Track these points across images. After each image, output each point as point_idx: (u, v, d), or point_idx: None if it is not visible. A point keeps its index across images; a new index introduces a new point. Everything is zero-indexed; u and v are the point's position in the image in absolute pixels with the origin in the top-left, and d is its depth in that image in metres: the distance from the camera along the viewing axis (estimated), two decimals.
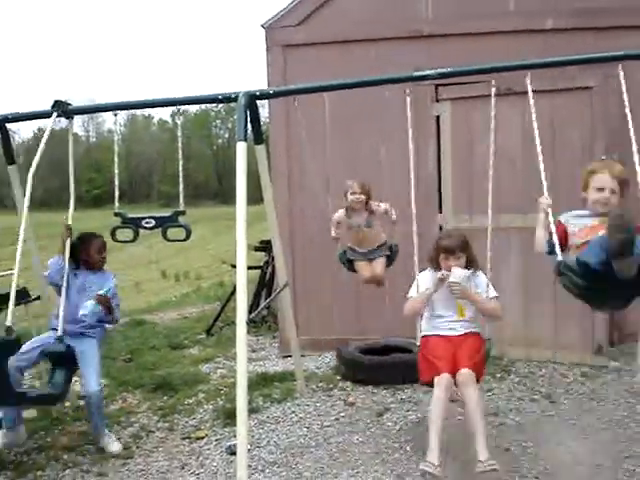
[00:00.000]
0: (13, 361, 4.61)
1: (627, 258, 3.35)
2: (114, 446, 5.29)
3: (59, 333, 4.87)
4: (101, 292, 5.23)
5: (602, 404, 5.69)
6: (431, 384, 4.46)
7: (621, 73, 4.37)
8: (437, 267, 4.80)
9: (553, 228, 3.93)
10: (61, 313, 4.92)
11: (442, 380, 4.36)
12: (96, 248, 5.48)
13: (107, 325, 5.56)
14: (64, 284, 5.01)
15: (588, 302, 3.99)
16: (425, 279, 4.83)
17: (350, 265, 5.53)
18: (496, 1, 7.15)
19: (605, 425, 5.25)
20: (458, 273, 4.64)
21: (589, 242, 3.73)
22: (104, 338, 5.72)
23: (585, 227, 3.92)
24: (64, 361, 4.84)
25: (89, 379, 5.15)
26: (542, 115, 6.33)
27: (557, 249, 3.84)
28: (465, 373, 4.34)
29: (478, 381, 4.45)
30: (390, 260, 5.53)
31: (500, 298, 6.32)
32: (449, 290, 4.65)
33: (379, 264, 5.48)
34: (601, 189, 3.94)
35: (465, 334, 4.68)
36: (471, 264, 4.79)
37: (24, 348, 4.95)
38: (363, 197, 5.36)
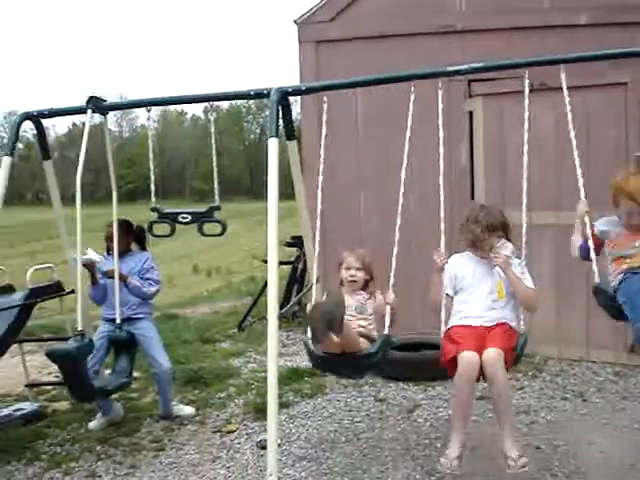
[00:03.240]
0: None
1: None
2: (188, 410, 5.88)
3: (118, 320, 5.39)
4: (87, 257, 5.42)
5: (635, 403, 5.64)
6: (453, 369, 3.94)
7: None
8: (470, 247, 4.34)
9: (589, 232, 3.93)
10: (117, 301, 5.38)
11: (466, 357, 3.85)
12: (118, 233, 5.54)
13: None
14: (116, 275, 5.39)
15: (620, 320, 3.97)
16: (453, 261, 4.37)
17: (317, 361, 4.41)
18: None
19: (638, 425, 5.20)
20: (510, 246, 4.19)
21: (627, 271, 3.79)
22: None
23: (620, 235, 3.94)
24: (126, 347, 5.46)
25: (158, 359, 5.60)
26: (575, 111, 6.29)
27: (592, 255, 3.92)
28: (492, 352, 3.83)
29: (508, 366, 3.93)
30: (371, 364, 4.25)
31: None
32: (493, 263, 4.14)
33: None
34: (630, 214, 3.90)
35: (497, 324, 4.09)
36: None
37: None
38: (361, 275, 4.46)
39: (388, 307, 4.27)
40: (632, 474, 4.41)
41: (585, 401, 5.75)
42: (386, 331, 4.23)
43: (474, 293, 4.24)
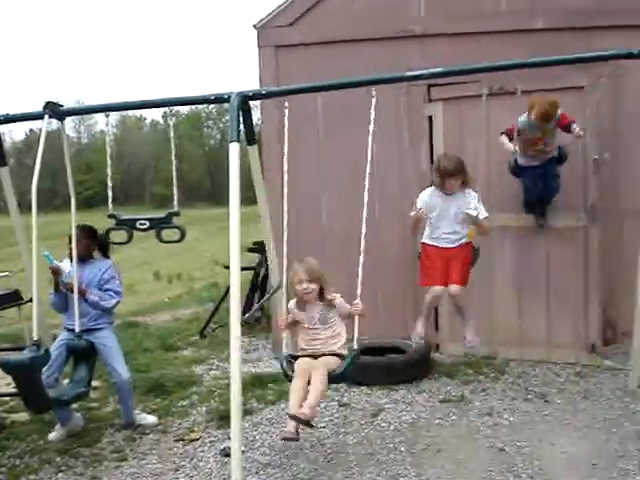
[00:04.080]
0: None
1: None
2: (151, 419, 5.79)
3: (77, 329, 5.29)
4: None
5: (596, 403, 5.69)
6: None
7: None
8: (438, 186, 5.43)
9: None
10: (76, 312, 5.26)
11: (434, 292, 5.46)
12: (80, 239, 5.47)
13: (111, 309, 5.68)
14: (75, 281, 5.27)
15: None
16: (423, 196, 5.49)
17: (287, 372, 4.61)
18: (487, 1, 7.16)
19: (599, 424, 5.25)
20: (472, 193, 5.40)
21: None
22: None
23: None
24: (85, 356, 5.35)
25: (118, 369, 5.51)
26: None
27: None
28: (454, 289, 5.38)
29: (465, 283, 5.45)
30: (344, 374, 4.54)
31: (494, 297, 6.35)
32: (462, 218, 5.34)
33: (319, 375, 4.38)
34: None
35: (459, 246, 5.43)
36: (466, 184, 5.41)
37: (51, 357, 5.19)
38: (313, 287, 4.55)
39: (357, 317, 4.55)
40: (595, 473, 4.45)
41: (547, 402, 5.79)
42: (355, 345, 4.52)
43: (440, 223, 5.42)
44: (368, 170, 4.61)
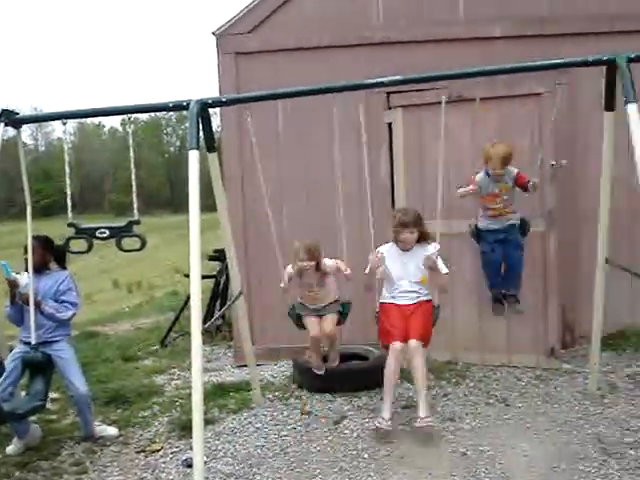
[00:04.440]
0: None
1: None
2: (111, 430, 5.72)
3: (33, 342, 5.17)
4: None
5: (556, 406, 5.76)
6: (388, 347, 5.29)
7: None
8: (395, 241, 5.39)
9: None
10: (32, 324, 5.15)
11: (395, 348, 5.20)
12: (36, 250, 5.40)
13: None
14: (31, 293, 5.16)
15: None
16: (383, 249, 5.38)
17: (299, 320, 5.48)
18: (446, 9, 7.23)
19: (559, 427, 5.31)
20: (433, 246, 5.32)
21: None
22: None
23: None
24: (41, 369, 5.23)
25: (74, 382, 5.43)
26: (491, 122, 6.46)
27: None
28: (413, 345, 5.17)
29: (427, 344, 5.27)
30: (343, 317, 5.49)
31: (454, 303, 6.40)
32: (424, 261, 5.29)
33: (330, 321, 5.42)
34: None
35: (418, 302, 5.33)
36: (425, 238, 5.37)
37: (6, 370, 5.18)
38: (312, 263, 5.28)
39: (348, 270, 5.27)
40: (556, 476, 4.51)
41: (508, 406, 5.84)
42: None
43: (400, 278, 5.36)
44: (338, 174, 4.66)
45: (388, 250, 5.40)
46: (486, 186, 5.53)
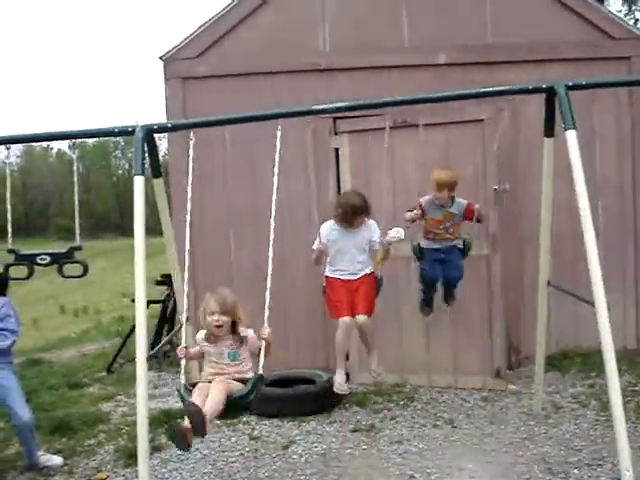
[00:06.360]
0: None
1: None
2: (56, 460, 5.60)
3: None
4: None
5: (502, 427, 5.83)
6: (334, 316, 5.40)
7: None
8: (345, 223, 5.37)
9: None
10: None
11: (344, 322, 5.30)
12: None
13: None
14: None
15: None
16: (325, 230, 5.45)
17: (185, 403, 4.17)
18: (391, 36, 7.36)
19: (506, 448, 5.38)
20: (396, 232, 5.32)
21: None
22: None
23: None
24: None
25: (17, 410, 5.34)
26: (436, 147, 6.58)
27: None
28: (361, 320, 5.27)
29: (370, 313, 5.34)
30: (246, 405, 4.34)
31: (401, 326, 6.44)
32: (387, 242, 5.34)
33: (218, 389, 4.12)
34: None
35: (362, 276, 5.41)
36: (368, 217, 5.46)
37: None
38: (225, 319, 4.21)
39: (263, 342, 4.18)
40: None
41: (455, 427, 5.89)
42: (260, 370, 4.16)
43: (343, 254, 5.40)
44: (274, 206, 4.54)
45: (330, 228, 5.47)
46: (430, 211, 5.64)
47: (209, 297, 4.26)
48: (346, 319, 5.30)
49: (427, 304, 6.15)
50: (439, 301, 6.11)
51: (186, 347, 4.35)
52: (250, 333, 4.26)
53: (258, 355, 4.20)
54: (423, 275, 5.91)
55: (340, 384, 5.35)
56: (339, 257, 5.44)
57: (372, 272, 5.47)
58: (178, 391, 4.30)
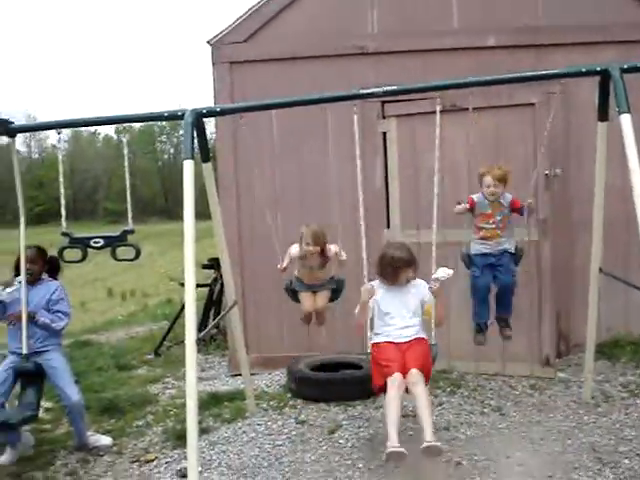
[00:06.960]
0: None
1: None
2: (105, 440, 5.68)
3: (24, 352, 5.14)
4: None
5: (551, 415, 5.76)
6: (384, 388, 4.53)
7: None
8: (389, 280, 4.83)
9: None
10: (24, 332, 5.14)
11: (395, 379, 4.48)
12: (32, 261, 5.41)
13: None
14: (23, 304, 5.14)
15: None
16: (372, 286, 4.88)
17: (294, 296, 5.53)
18: (440, 18, 7.26)
19: (554, 436, 5.32)
20: (443, 272, 4.79)
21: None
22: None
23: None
24: (33, 379, 5.22)
25: (67, 391, 5.41)
26: (486, 131, 6.49)
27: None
28: (414, 373, 4.49)
29: (427, 381, 4.61)
30: (336, 294, 5.52)
31: (450, 312, 6.40)
32: (431, 287, 4.80)
33: (322, 297, 5.48)
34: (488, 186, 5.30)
35: (414, 339, 4.73)
36: (415, 274, 4.90)
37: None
38: (318, 249, 5.23)
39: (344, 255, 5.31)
40: None
41: (503, 415, 5.84)
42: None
43: (393, 317, 4.80)
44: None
45: (377, 287, 4.89)
46: (481, 206, 5.39)
47: (306, 230, 5.22)
48: (396, 375, 4.50)
49: (480, 330, 5.70)
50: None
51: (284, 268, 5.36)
52: (332, 250, 5.30)
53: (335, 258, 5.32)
54: (474, 282, 5.53)
55: (392, 446, 4.34)
56: (388, 321, 4.82)
57: (424, 337, 4.82)
58: (289, 285, 5.49)
